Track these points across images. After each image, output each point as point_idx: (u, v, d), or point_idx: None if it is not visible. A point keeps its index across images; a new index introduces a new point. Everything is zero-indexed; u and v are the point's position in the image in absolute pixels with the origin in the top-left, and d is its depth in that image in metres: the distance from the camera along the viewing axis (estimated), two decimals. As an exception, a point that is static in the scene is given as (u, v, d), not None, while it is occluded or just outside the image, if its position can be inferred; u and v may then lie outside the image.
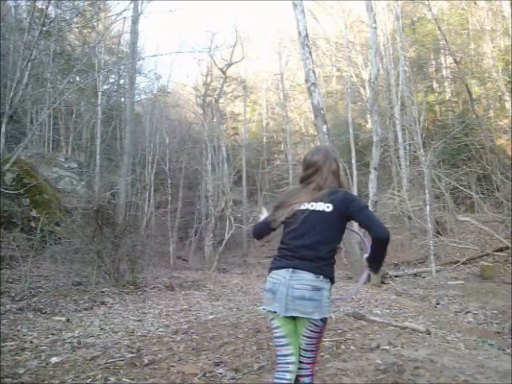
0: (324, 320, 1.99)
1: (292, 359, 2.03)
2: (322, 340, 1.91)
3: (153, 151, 18.08)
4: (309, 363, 2.04)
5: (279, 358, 2.06)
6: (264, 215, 2.36)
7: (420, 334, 4.43)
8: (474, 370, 3.18)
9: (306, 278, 1.96)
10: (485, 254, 10.70)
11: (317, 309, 1.95)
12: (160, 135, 18.89)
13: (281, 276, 2.00)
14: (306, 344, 2.02)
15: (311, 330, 1.99)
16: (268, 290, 2.03)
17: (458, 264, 10.43)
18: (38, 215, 8.69)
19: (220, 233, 17.48)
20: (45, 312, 5.36)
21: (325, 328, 2.04)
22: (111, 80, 22.65)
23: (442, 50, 19.05)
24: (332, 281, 2.02)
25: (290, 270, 1.98)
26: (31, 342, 4.00)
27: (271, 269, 2.08)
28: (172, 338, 4.28)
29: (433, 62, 20.78)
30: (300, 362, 2.03)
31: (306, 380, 2.03)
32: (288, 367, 2.02)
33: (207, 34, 27.03)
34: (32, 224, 9.02)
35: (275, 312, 1.99)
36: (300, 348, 2.03)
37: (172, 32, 38.63)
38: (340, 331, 4.44)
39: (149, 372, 3.20)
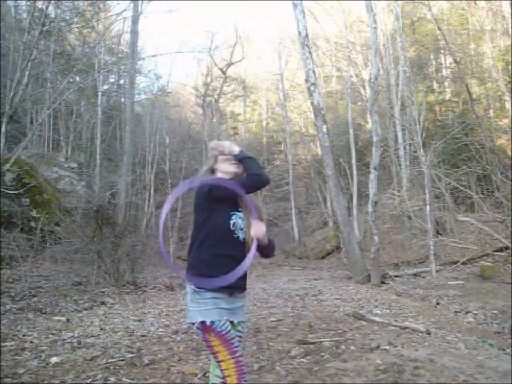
0: (198, 327, 1.83)
1: (211, 369, 2.01)
2: (217, 349, 1.76)
3: (153, 151, 18.05)
4: (223, 375, 1.82)
5: None
6: None
7: (420, 334, 4.42)
8: (474, 370, 3.18)
9: None
10: (485, 254, 10.68)
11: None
12: (160, 135, 18.86)
13: None
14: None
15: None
16: None
17: (458, 264, 10.41)
18: (38, 215, 8.69)
19: (220, 233, 17.41)
20: (45, 312, 5.36)
21: (208, 336, 1.80)
22: (111, 80, 22.64)
23: (442, 50, 19.03)
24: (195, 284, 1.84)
25: None
26: (31, 342, 4.00)
27: None
28: (172, 338, 4.28)
29: (433, 62, 20.73)
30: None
31: None
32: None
33: (207, 34, 27.22)
34: (32, 224, 9.02)
35: None
36: None
37: (172, 32, 38.74)
38: (340, 331, 4.44)
39: (149, 371, 3.20)
